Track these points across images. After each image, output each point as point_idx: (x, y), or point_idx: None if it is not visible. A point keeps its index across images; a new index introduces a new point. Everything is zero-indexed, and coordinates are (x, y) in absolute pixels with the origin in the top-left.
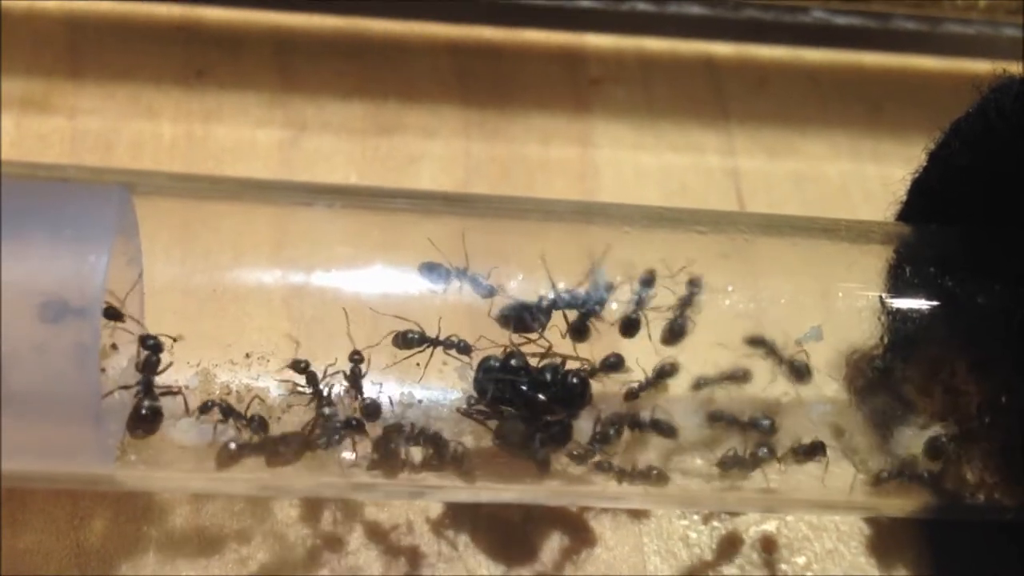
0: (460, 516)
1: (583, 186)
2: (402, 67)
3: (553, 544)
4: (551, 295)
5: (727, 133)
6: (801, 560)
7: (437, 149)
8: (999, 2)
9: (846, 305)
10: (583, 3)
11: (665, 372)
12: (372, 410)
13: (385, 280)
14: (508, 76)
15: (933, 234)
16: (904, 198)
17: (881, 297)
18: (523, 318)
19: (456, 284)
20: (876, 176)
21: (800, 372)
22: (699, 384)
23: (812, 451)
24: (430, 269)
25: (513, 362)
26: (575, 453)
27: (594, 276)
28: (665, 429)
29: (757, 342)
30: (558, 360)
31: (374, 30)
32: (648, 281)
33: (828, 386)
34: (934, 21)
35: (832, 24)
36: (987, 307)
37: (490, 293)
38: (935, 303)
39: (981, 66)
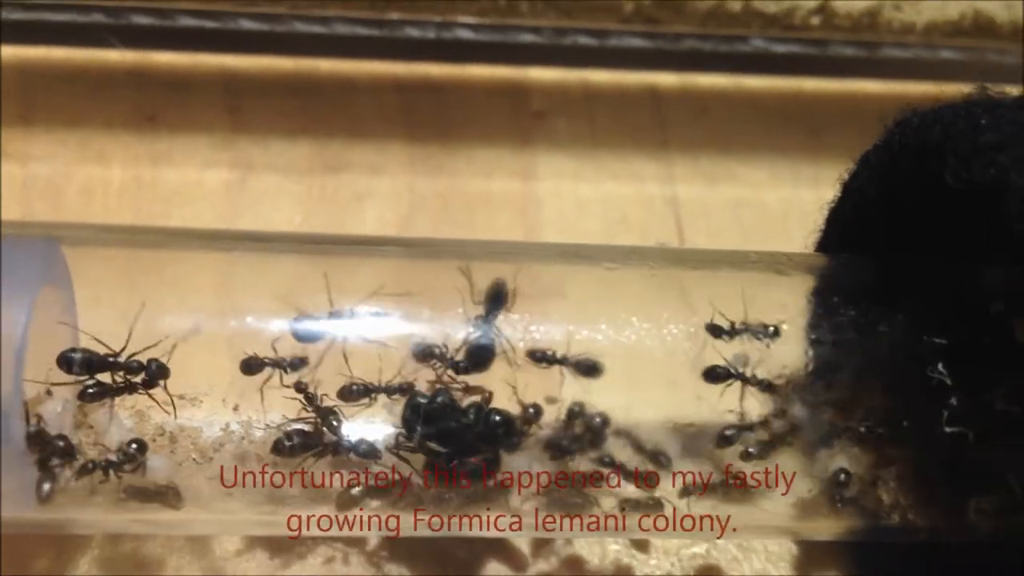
0: (397, 549)
1: (524, 219)
2: (348, 105)
3: None
4: None
5: (667, 161)
6: None
7: (382, 186)
8: (936, 25)
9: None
10: (525, 38)
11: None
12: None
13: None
14: (452, 111)
15: (846, 263)
16: (822, 227)
17: (805, 324)
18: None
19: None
20: (814, 201)
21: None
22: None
23: None
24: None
25: (439, 399)
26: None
27: None
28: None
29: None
30: (485, 397)
31: (321, 70)
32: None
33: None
34: (872, 46)
35: (771, 52)
36: (893, 334)
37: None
38: (849, 331)
39: (921, 88)
